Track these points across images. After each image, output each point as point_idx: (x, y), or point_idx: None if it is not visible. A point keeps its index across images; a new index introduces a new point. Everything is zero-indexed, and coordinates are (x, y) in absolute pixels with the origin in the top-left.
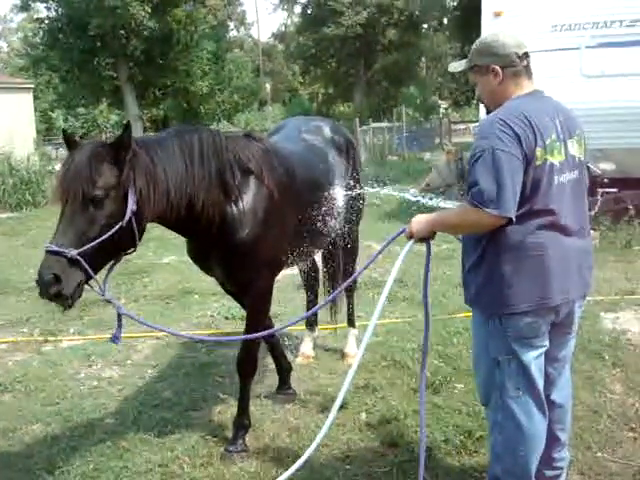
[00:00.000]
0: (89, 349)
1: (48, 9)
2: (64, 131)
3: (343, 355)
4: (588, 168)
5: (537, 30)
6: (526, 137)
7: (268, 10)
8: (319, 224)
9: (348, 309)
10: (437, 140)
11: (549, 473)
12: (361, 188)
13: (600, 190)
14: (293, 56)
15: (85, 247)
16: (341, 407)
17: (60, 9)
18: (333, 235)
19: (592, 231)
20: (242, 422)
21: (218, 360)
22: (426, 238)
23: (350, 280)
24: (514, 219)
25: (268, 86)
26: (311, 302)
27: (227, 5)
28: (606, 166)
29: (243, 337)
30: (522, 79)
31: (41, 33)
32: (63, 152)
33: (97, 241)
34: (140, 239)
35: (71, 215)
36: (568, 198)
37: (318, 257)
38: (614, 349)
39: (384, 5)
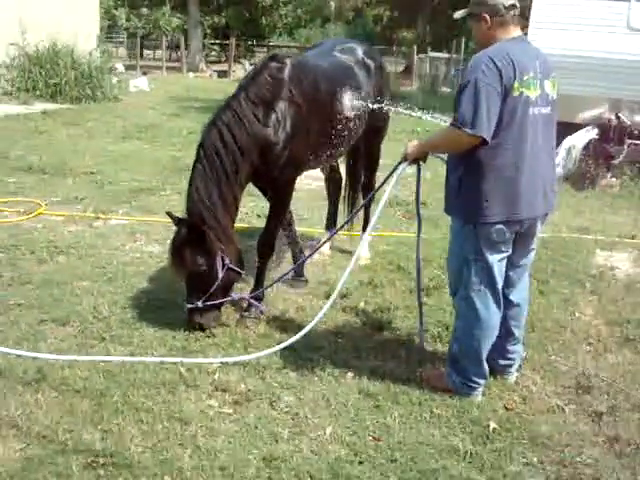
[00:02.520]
0: (135, 228)
1: None
2: (169, 214)
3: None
4: (618, 117)
5: None
6: (506, 72)
7: None
8: (341, 133)
9: (365, 217)
10: None
11: (502, 362)
12: (383, 107)
13: (628, 140)
14: None
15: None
16: (344, 296)
17: None
18: (353, 146)
19: (613, 179)
20: (257, 294)
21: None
22: (418, 159)
23: (356, 211)
24: (489, 140)
25: (333, 3)
26: (332, 205)
27: None
28: None
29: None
30: (509, 26)
31: None
32: (123, 51)
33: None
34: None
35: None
36: (541, 128)
37: (343, 168)
38: (597, 280)
39: None
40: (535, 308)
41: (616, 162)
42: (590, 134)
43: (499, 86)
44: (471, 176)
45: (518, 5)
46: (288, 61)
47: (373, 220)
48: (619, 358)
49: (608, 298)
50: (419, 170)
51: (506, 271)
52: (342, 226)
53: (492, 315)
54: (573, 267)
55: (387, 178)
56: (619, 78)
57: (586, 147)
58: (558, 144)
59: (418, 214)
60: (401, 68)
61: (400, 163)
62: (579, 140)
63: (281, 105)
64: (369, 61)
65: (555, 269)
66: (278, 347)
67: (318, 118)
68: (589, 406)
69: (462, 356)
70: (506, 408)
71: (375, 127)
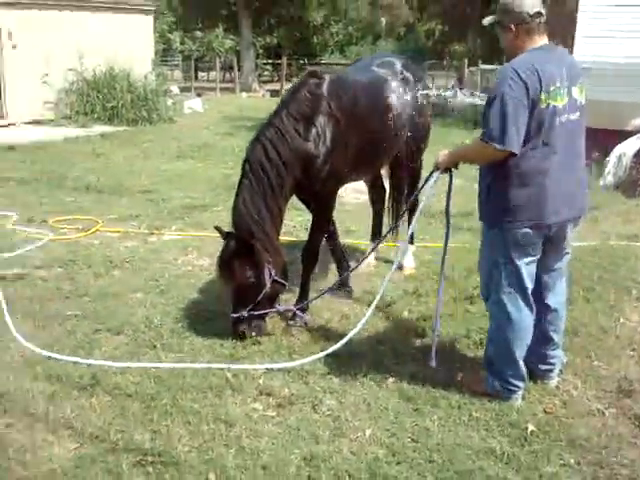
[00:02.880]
0: (187, 242)
1: None
2: (217, 228)
3: (401, 267)
4: None
5: None
6: (532, 84)
7: None
8: (380, 146)
9: (408, 228)
10: None
11: (543, 367)
12: (425, 119)
13: None
14: None
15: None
16: (388, 305)
17: None
18: (394, 157)
19: None
20: (301, 303)
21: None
22: (449, 168)
23: (392, 227)
24: (517, 153)
25: (384, 20)
26: (377, 216)
27: None
28: None
29: None
30: (534, 35)
31: None
32: (178, 74)
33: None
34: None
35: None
36: (569, 135)
37: (387, 181)
38: None
39: None
40: (579, 314)
41: None
42: None
43: (526, 99)
44: (498, 182)
45: (544, 12)
46: (326, 77)
47: (410, 230)
48: None
49: None
50: (451, 178)
51: (541, 275)
52: (382, 238)
53: (524, 317)
54: (620, 274)
55: (421, 188)
56: None
57: (637, 154)
58: (609, 152)
59: (448, 222)
60: (453, 81)
61: (432, 172)
62: (629, 147)
63: (321, 120)
64: (408, 74)
65: (602, 276)
66: (320, 354)
67: (357, 131)
68: (629, 409)
69: (497, 358)
70: (545, 412)
71: (416, 138)
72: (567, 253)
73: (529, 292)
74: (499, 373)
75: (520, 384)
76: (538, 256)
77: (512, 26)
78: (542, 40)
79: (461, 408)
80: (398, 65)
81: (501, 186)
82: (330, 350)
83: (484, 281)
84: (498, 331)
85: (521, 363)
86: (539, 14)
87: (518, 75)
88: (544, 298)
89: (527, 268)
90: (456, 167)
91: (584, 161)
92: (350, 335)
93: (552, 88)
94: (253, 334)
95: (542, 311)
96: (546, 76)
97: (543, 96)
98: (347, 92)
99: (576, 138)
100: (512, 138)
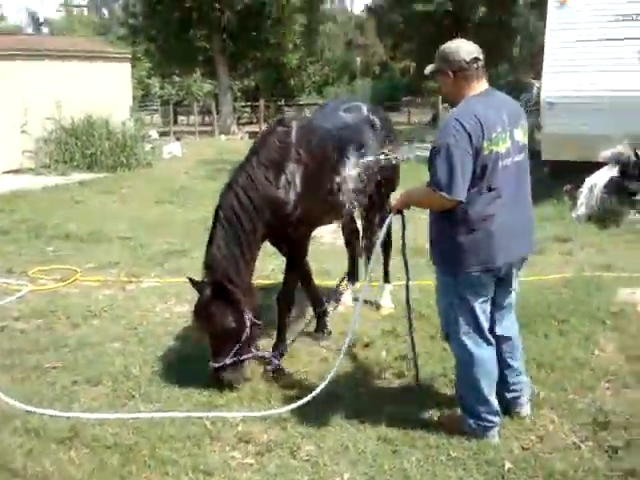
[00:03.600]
0: (165, 289)
1: None
2: (189, 278)
3: (378, 307)
4: (637, 154)
5: (600, 19)
6: (475, 133)
7: None
8: (350, 190)
9: (384, 267)
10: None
11: (509, 395)
12: (391, 161)
13: None
14: (383, 32)
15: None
16: (366, 345)
17: None
18: (364, 201)
19: (637, 215)
20: (279, 348)
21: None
22: (401, 210)
23: (349, 272)
24: (464, 200)
25: (359, 60)
26: (351, 257)
27: None
28: None
29: None
30: (472, 81)
31: (140, 3)
32: (157, 119)
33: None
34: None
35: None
36: (513, 177)
37: (359, 221)
38: (618, 317)
39: None
40: (555, 347)
41: (638, 198)
42: (611, 172)
43: (470, 148)
44: (448, 228)
45: (481, 57)
46: (294, 124)
47: (366, 273)
48: (637, 394)
49: (629, 334)
50: (403, 220)
51: (492, 312)
52: (340, 281)
53: (485, 353)
54: (594, 305)
55: (380, 232)
56: (636, 114)
57: (607, 185)
58: (581, 184)
59: (405, 262)
60: (428, 118)
61: (389, 222)
62: (600, 179)
63: (290, 167)
64: (374, 117)
65: (576, 308)
66: (296, 404)
67: (327, 176)
68: (605, 442)
69: (468, 396)
70: (522, 448)
71: (386, 179)
72: (513, 289)
73: (485, 329)
74: (472, 411)
75: (495, 419)
76: (491, 295)
77: (450, 73)
78: (481, 85)
79: (439, 448)
80: (364, 109)
81: (450, 232)
82: (304, 400)
83: (442, 320)
84: (464, 370)
85: (492, 399)
86: (476, 60)
87: (462, 126)
88: (497, 331)
89: (481, 307)
90: (408, 208)
91: (530, 199)
92: (322, 386)
93: (494, 135)
94: (235, 381)
95: (498, 342)
96: (488, 124)
97: (485, 144)
98: (315, 138)
99: (521, 179)
100: (459, 187)
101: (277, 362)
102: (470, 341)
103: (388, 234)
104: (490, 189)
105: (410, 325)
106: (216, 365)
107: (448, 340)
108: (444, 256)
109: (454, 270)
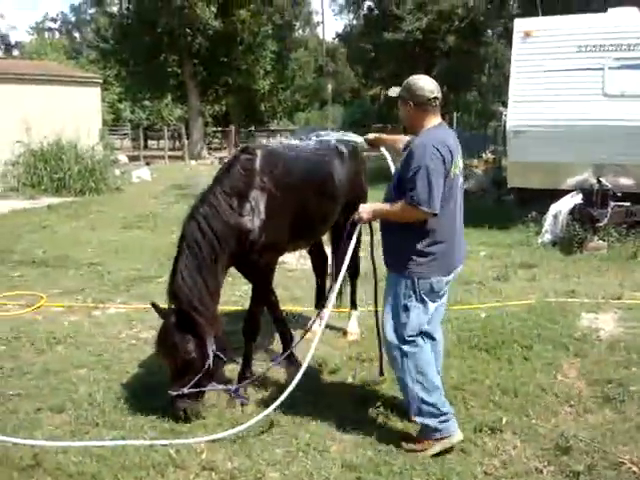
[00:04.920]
0: (131, 315)
1: (119, 5)
2: (152, 304)
3: (345, 333)
4: (600, 182)
5: (564, 50)
6: (447, 159)
7: (335, 11)
8: (317, 215)
9: (351, 293)
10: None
11: None
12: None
13: (612, 203)
14: (354, 59)
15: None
16: (333, 372)
17: (130, 6)
18: (334, 223)
19: (600, 241)
20: (244, 375)
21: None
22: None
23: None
24: (438, 213)
25: (330, 86)
26: (319, 286)
27: (294, 5)
28: (624, 181)
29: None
30: (429, 114)
31: (111, 28)
32: (128, 143)
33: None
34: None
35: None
36: (459, 194)
37: (328, 248)
38: (581, 342)
39: (445, 12)
40: (519, 373)
41: (602, 225)
42: (575, 199)
43: (443, 170)
44: (415, 239)
45: (440, 97)
46: (258, 152)
47: (332, 296)
48: (599, 418)
49: (591, 359)
50: (371, 230)
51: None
52: (316, 317)
53: (429, 346)
54: (558, 331)
55: (345, 255)
56: (599, 143)
57: (572, 212)
58: (546, 210)
59: (374, 265)
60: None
61: (353, 226)
62: (565, 205)
63: (254, 194)
64: (342, 147)
65: (540, 334)
66: (253, 420)
67: (292, 203)
68: (567, 467)
69: (427, 396)
70: (485, 473)
71: (353, 204)
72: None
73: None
74: (433, 410)
75: (450, 409)
76: (444, 297)
77: (411, 104)
78: (436, 119)
79: (402, 474)
80: (333, 140)
81: (418, 242)
82: (255, 420)
83: (393, 323)
84: (417, 367)
85: (439, 383)
86: (436, 99)
87: (438, 151)
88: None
89: (435, 308)
90: (374, 220)
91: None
92: (279, 401)
93: (455, 160)
94: (192, 411)
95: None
96: (453, 151)
97: (452, 168)
98: (279, 166)
99: (461, 196)
100: (436, 202)
101: (241, 396)
102: (424, 339)
103: (355, 257)
104: (451, 205)
105: (377, 327)
106: (174, 393)
107: (391, 343)
108: (409, 263)
109: (419, 275)
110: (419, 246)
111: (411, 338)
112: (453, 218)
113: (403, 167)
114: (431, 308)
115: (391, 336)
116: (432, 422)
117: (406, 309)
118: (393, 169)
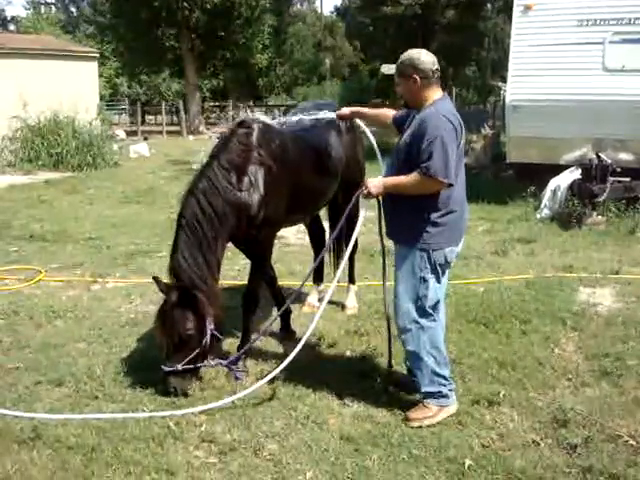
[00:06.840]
0: (130, 290)
1: None
2: (155, 278)
3: (343, 307)
4: (599, 157)
5: (564, 24)
6: (459, 130)
7: None
8: (314, 190)
9: (349, 268)
10: (491, 122)
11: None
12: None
13: (611, 178)
14: (352, 34)
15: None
16: (331, 346)
17: None
18: (331, 199)
19: (599, 216)
20: (233, 358)
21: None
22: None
23: (318, 260)
24: (454, 184)
25: (328, 61)
26: (317, 257)
27: None
28: (624, 156)
29: None
30: (433, 86)
31: (108, 1)
32: (125, 118)
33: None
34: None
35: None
36: (462, 167)
37: (326, 223)
38: (579, 317)
39: None
40: (516, 347)
41: (600, 200)
42: (574, 174)
43: (456, 141)
44: (426, 211)
45: (439, 69)
46: (255, 126)
47: (338, 273)
48: (596, 391)
49: (588, 334)
50: (379, 204)
51: None
52: (302, 283)
53: (441, 319)
54: (556, 306)
55: (341, 224)
56: (598, 118)
57: (570, 187)
58: (544, 186)
59: (383, 250)
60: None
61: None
62: (563, 181)
63: (252, 168)
64: (340, 121)
65: (538, 308)
66: (250, 389)
67: (290, 178)
68: (564, 439)
69: (439, 367)
70: (483, 445)
71: (351, 180)
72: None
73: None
74: (442, 380)
75: (449, 372)
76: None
77: (417, 78)
78: (439, 91)
79: (401, 446)
80: (330, 113)
81: (430, 213)
82: (252, 388)
83: (407, 297)
84: (432, 339)
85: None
86: (437, 70)
87: (450, 122)
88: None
89: (443, 281)
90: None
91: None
92: (277, 371)
93: (461, 131)
94: (183, 388)
95: None
96: (461, 122)
97: (461, 139)
98: (277, 139)
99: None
100: (452, 172)
101: (237, 370)
102: (437, 311)
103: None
104: (461, 176)
105: (388, 323)
106: (167, 369)
107: (409, 317)
108: (423, 235)
109: (432, 247)
110: (433, 217)
111: (430, 310)
112: (462, 187)
113: (414, 139)
114: (443, 279)
115: (409, 310)
116: (443, 389)
117: (424, 281)
118: (374, 143)
